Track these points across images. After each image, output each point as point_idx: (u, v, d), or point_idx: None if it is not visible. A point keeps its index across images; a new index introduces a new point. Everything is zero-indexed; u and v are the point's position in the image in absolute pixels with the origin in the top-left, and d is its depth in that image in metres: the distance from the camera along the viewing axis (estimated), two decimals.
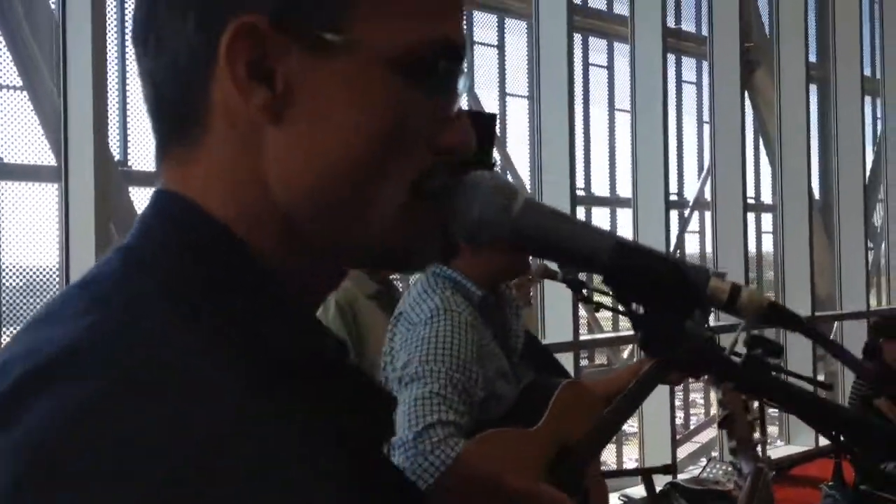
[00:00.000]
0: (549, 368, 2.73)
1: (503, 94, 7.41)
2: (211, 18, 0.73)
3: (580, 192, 7.51)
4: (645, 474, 3.48)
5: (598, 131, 8.00)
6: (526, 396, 2.42)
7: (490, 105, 7.01)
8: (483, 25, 7.38)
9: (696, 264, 0.84)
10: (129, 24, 0.82)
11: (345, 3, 0.73)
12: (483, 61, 7.37)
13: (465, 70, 0.80)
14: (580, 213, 7.58)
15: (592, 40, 8.06)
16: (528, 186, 6.40)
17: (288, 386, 0.69)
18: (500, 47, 7.52)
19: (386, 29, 0.73)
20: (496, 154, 6.58)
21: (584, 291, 3.00)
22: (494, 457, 2.23)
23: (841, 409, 0.82)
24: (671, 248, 7.05)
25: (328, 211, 0.74)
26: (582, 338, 6.21)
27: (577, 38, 7.46)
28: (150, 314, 0.66)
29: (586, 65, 8.00)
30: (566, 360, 5.87)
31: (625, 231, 7.35)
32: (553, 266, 3.09)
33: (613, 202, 8.04)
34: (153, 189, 0.78)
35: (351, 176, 0.73)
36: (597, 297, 3.09)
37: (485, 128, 4.54)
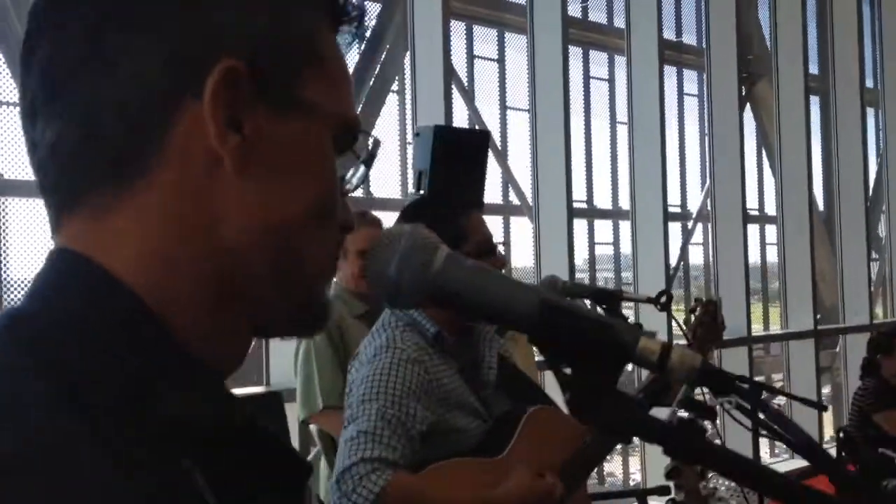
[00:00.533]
0: (530, 397, 2.68)
1: (504, 108, 7.40)
2: (181, 58, 0.70)
3: (582, 205, 7.49)
4: (641, 496, 3.43)
5: (600, 144, 7.97)
6: (497, 427, 2.39)
7: (491, 118, 6.99)
8: (483, 39, 7.37)
9: (627, 322, 0.82)
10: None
11: (304, 66, 0.74)
12: (483, 75, 7.36)
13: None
14: (583, 225, 7.56)
15: (593, 53, 8.04)
16: (529, 199, 6.37)
17: (190, 459, 0.67)
18: (501, 61, 7.51)
19: (329, 98, 0.76)
20: (499, 167, 6.56)
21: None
22: (445, 486, 2.20)
23: (775, 476, 0.79)
24: (672, 260, 7.00)
25: (276, 260, 0.74)
26: None
27: (578, 51, 7.45)
28: (21, 394, 0.63)
29: (587, 78, 7.98)
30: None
31: (625, 242, 7.32)
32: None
33: (615, 214, 8.00)
34: (52, 247, 0.73)
35: (300, 228, 0.74)
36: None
37: (478, 145, 4.54)
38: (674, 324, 2.71)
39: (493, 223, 7.38)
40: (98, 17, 0.70)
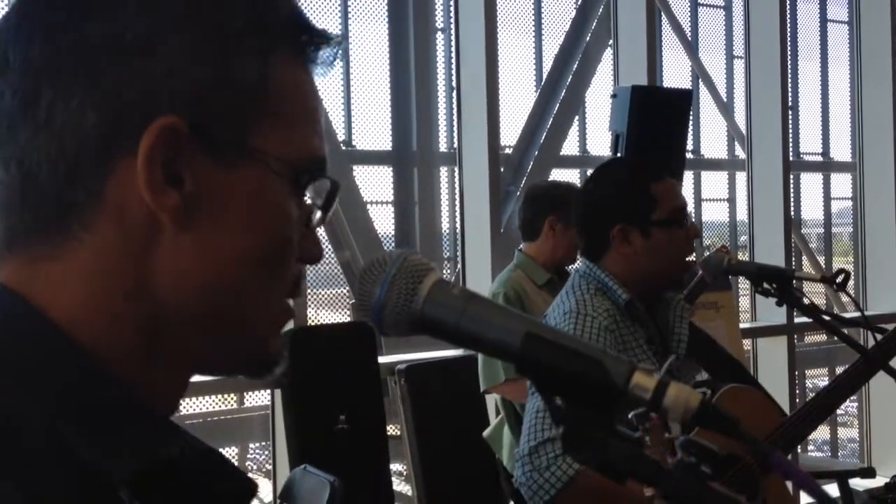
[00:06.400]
0: (726, 371, 2.56)
1: (730, 58, 7.10)
2: (118, 113, 0.70)
3: (817, 158, 7.06)
4: (840, 477, 3.24)
5: (838, 92, 7.43)
6: None
7: (716, 70, 6.70)
8: None
9: (619, 357, 0.77)
10: None
11: (251, 113, 0.74)
12: (708, 24, 7.10)
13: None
14: (817, 179, 7.10)
15: None
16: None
17: (126, 493, 0.67)
18: (727, 8, 7.20)
19: (281, 142, 0.75)
20: (724, 121, 6.28)
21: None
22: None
23: None
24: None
25: (216, 315, 0.74)
26: None
27: None
28: None
29: (824, 21, 7.48)
30: None
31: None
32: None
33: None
34: None
35: (245, 281, 0.74)
36: None
37: (679, 105, 4.36)
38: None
39: (717, 179, 7.11)
40: (35, 67, 0.71)
